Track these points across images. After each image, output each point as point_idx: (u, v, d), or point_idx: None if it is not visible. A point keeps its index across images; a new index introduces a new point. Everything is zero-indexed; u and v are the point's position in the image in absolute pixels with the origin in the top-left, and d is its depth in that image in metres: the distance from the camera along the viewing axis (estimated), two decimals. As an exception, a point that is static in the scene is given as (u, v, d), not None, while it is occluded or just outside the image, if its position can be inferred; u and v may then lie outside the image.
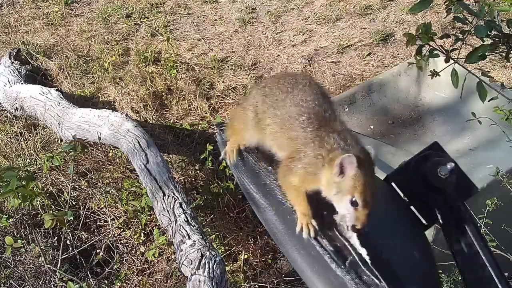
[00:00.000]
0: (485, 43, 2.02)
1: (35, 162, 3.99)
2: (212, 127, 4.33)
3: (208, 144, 3.76)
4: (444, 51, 2.20)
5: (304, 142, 1.50)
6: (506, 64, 4.56)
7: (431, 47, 2.21)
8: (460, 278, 2.78)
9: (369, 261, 1.48)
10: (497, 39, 1.94)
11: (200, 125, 4.39)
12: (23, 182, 2.37)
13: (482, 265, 1.65)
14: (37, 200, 3.13)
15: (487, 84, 2.08)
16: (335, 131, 1.49)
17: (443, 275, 2.97)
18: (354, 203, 1.40)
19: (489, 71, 2.19)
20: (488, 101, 2.08)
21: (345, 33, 5.19)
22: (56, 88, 4.32)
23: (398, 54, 4.99)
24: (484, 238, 1.97)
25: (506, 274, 1.70)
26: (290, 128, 1.55)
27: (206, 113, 4.49)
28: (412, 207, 1.70)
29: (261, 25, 5.37)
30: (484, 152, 3.14)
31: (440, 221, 1.69)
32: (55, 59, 4.89)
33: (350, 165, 1.38)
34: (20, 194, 2.40)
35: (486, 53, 1.95)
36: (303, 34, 5.20)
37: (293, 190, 1.53)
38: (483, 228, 2.49)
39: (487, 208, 2.61)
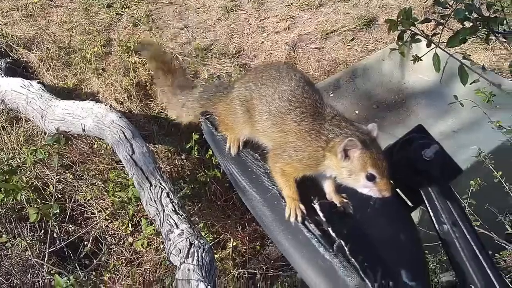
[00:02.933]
0: (465, 26, 2.03)
1: (19, 156, 3.94)
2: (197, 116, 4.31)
3: (193, 133, 3.74)
4: (425, 36, 2.21)
5: (299, 136, 1.53)
6: (488, 46, 4.60)
7: (413, 32, 2.22)
8: (445, 257, 2.83)
9: (347, 251, 1.51)
10: (477, 22, 1.95)
11: (185, 115, 4.37)
12: (6, 177, 2.34)
13: (467, 244, 1.68)
14: (21, 194, 3.10)
15: (468, 67, 2.10)
16: (327, 120, 1.52)
17: (429, 255, 3.02)
18: (370, 177, 1.44)
19: (469, 54, 2.21)
20: (470, 84, 2.10)
21: (328, 19, 5.18)
22: (38, 80, 4.26)
23: (381, 39, 5.00)
24: (469, 217, 2.00)
25: (490, 252, 1.74)
26: (283, 123, 1.57)
27: (191, 102, 4.46)
28: (397, 190, 1.72)
29: (244, 12, 5.34)
30: (467, 134, 3.18)
31: (426, 202, 1.72)
32: (35, 51, 4.81)
33: (352, 147, 1.42)
34: (2, 188, 2.37)
35: (467, 37, 1.96)
36: (286, 21, 5.18)
37: (283, 176, 1.57)
38: (467, 208, 2.53)
39: (471, 188, 2.65)
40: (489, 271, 1.64)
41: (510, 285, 1.69)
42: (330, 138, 1.49)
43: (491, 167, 2.53)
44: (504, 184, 2.58)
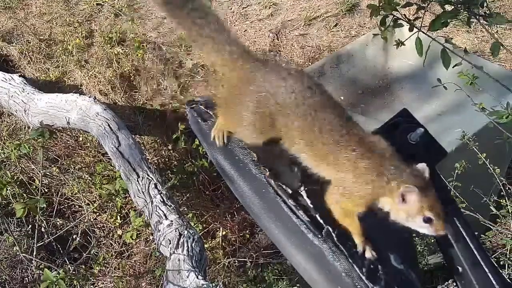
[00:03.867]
0: (447, 10, 2.05)
1: (3, 151, 3.89)
2: (183, 105, 4.30)
3: (179, 124, 3.73)
4: (407, 20, 2.22)
5: (358, 174, 1.53)
6: (469, 29, 4.63)
7: (395, 17, 2.23)
8: (433, 240, 2.87)
9: (335, 237, 1.53)
10: (458, 5, 1.97)
11: (170, 105, 4.35)
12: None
13: (453, 226, 1.71)
14: (7, 190, 3.07)
15: (450, 51, 2.11)
16: (386, 159, 1.53)
17: (416, 238, 3.06)
18: (427, 220, 1.48)
19: (451, 38, 2.22)
20: (453, 67, 2.11)
21: (311, 5, 5.16)
22: (19, 74, 4.20)
23: (364, 24, 5.01)
24: (455, 200, 2.03)
25: (476, 233, 1.77)
26: (336, 163, 1.55)
27: (176, 92, 4.44)
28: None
29: (226, 0, 5.30)
30: (451, 116, 3.21)
31: (412, 186, 1.73)
32: (15, 44, 4.73)
33: (410, 193, 1.46)
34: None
35: (449, 20, 1.97)
36: (269, 8, 5.16)
37: (348, 217, 1.59)
38: (453, 190, 2.56)
39: (456, 171, 2.68)
40: (475, 252, 1.67)
41: (496, 265, 1.72)
42: (390, 178, 1.50)
43: (475, 149, 2.56)
44: (488, 166, 2.61)
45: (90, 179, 3.76)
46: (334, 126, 1.55)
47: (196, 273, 2.44)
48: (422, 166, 1.54)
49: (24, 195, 3.55)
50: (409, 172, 1.51)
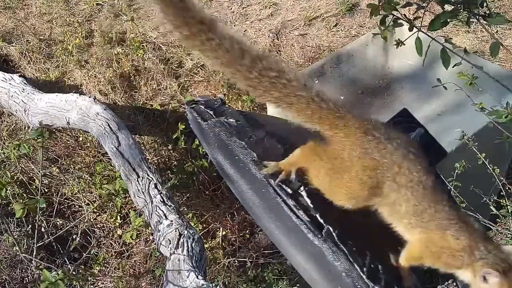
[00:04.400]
0: (446, 9, 2.05)
1: (2, 151, 3.89)
2: (183, 105, 4.30)
3: (179, 123, 3.72)
4: (407, 20, 2.22)
5: (454, 251, 1.61)
6: (470, 28, 4.63)
7: (395, 17, 2.23)
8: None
9: (336, 237, 1.54)
10: (458, 5, 1.97)
11: (170, 105, 4.35)
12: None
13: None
14: (6, 190, 3.07)
15: (450, 50, 2.11)
16: (481, 241, 1.61)
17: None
18: None
19: (451, 38, 2.22)
20: (452, 67, 2.11)
21: (311, 5, 5.16)
22: (19, 74, 4.20)
23: (364, 24, 5.01)
24: (455, 200, 2.03)
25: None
26: (441, 239, 1.62)
27: (176, 92, 4.44)
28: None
29: (226, 0, 5.30)
30: (451, 116, 3.21)
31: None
32: (15, 44, 4.73)
33: (493, 278, 1.55)
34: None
35: (448, 20, 1.97)
36: (269, 8, 5.15)
37: (417, 261, 1.70)
38: (453, 190, 2.56)
39: (456, 171, 2.68)
40: (475, 251, 1.67)
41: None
42: (477, 258, 1.59)
43: (474, 149, 2.56)
44: (488, 166, 2.61)
45: (90, 179, 3.76)
46: (441, 209, 1.63)
47: (196, 273, 2.44)
48: (509, 249, 1.62)
49: (24, 195, 3.55)
50: (495, 254, 1.59)
